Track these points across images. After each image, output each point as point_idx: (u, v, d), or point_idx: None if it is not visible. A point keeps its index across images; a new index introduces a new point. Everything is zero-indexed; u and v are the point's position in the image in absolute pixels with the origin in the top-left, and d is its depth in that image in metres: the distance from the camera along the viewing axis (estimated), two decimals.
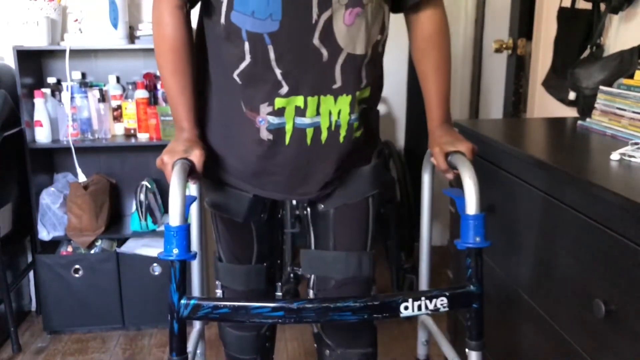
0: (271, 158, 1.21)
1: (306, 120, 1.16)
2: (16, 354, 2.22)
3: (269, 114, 1.15)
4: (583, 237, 1.11)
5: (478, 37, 2.95)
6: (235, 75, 1.15)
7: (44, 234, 2.30)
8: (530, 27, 2.27)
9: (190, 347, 1.35)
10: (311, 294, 1.40)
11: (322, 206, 1.32)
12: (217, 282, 1.45)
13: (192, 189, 1.36)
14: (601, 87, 1.54)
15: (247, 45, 1.11)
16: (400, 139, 3.03)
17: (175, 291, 1.07)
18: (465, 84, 3.06)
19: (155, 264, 2.33)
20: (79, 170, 2.36)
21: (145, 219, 2.34)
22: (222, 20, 1.12)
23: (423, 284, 1.52)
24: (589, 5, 1.80)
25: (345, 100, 1.16)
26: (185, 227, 1.06)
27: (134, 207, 2.36)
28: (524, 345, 1.38)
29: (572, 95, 1.80)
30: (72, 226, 2.29)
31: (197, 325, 1.50)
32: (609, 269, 1.03)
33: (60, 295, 2.31)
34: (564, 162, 1.23)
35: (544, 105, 2.13)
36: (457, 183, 1.14)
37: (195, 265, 1.46)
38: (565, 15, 1.92)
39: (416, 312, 1.08)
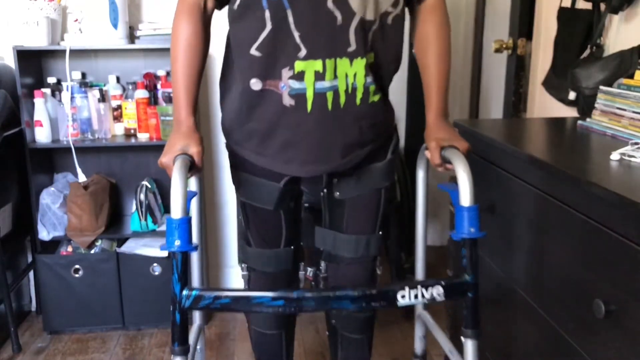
0: (296, 128, 1.28)
1: (325, 83, 1.24)
2: (16, 354, 2.22)
3: (290, 77, 1.24)
4: (583, 237, 1.11)
5: (478, 37, 2.95)
6: (254, 50, 1.24)
7: (44, 234, 2.30)
8: (530, 27, 2.27)
9: (190, 339, 1.37)
10: (323, 264, 1.53)
11: (338, 194, 1.44)
12: (242, 265, 1.55)
13: (192, 185, 1.40)
14: (601, 87, 1.54)
15: (267, 13, 1.20)
16: (401, 139, 3.03)
17: (177, 282, 1.11)
18: (465, 84, 3.06)
19: (155, 264, 2.33)
20: (79, 170, 2.36)
21: (145, 219, 2.34)
22: None
23: (419, 275, 1.57)
24: (589, 5, 1.80)
25: (360, 63, 1.24)
26: (187, 220, 1.10)
27: (134, 207, 2.36)
28: (524, 345, 1.38)
29: (572, 95, 1.80)
30: (72, 226, 2.29)
31: (197, 320, 1.52)
32: (609, 269, 1.03)
33: (60, 295, 2.31)
34: (564, 162, 1.23)
35: (544, 105, 2.12)
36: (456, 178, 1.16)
37: (195, 257, 1.49)
38: (565, 15, 1.92)
39: (412, 301, 1.11)
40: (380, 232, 1.48)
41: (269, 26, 1.21)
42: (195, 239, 1.39)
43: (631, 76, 1.48)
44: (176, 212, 1.09)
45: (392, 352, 2.22)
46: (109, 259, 2.32)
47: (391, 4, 1.25)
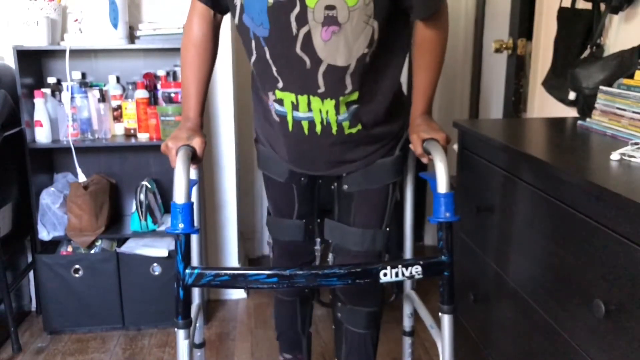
0: (283, 138, 1.40)
1: (300, 114, 1.34)
2: (16, 354, 2.22)
3: (274, 101, 1.35)
4: (583, 237, 1.11)
5: (478, 37, 2.95)
6: (251, 66, 1.36)
7: (44, 234, 2.30)
8: (530, 27, 2.27)
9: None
10: (331, 256, 1.61)
11: (346, 187, 1.50)
12: (269, 234, 1.70)
13: (193, 175, 1.46)
14: (601, 87, 1.54)
15: (253, 43, 1.30)
16: None
17: (181, 261, 1.20)
18: (465, 84, 3.06)
19: (155, 264, 2.33)
20: (79, 170, 2.36)
21: (145, 219, 2.34)
22: (236, 21, 1.30)
23: (407, 254, 1.65)
24: (589, 5, 1.80)
25: (330, 103, 1.32)
26: (189, 205, 1.20)
27: (134, 207, 2.36)
28: (523, 345, 1.38)
29: (572, 95, 1.80)
30: (72, 226, 2.29)
31: (196, 299, 1.59)
32: (609, 269, 1.03)
33: (60, 295, 2.31)
34: (564, 162, 1.23)
35: (544, 105, 2.13)
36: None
37: (194, 241, 1.56)
38: (565, 15, 1.92)
39: (394, 278, 1.23)
40: (388, 229, 1.54)
41: (255, 54, 1.31)
42: (195, 222, 1.46)
43: (631, 76, 1.48)
44: (180, 197, 1.18)
45: (392, 352, 2.22)
46: (109, 259, 2.32)
47: (366, 46, 1.27)
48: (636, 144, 1.29)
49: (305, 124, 1.35)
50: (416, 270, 1.24)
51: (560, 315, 1.21)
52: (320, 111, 1.32)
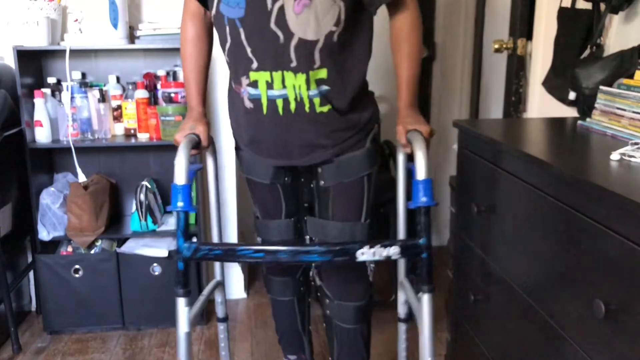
0: (257, 125, 1.47)
1: (275, 92, 1.41)
2: (16, 354, 2.22)
3: (248, 85, 1.42)
4: (583, 237, 1.11)
5: (478, 37, 2.95)
6: (226, 56, 1.45)
7: (44, 234, 2.30)
8: (530, 27, 2.27)
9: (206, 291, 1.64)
10: None
11: (323, 182, 1.55)
12: (258, 238, 1.75)
13: (210, 163, 1.64)
14: (601, 87, 1.54)
15: (227, 29, 1.39)
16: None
17: (180, 236, 1.33)
18: (465, 84, 3.06)
19: (155, 264, 2.33)
20: (79, 170, 2.36)
21: (145, 219, 2.34)
22: (214, 11, 1.41)
23: (400, 236, 1.63)
24: (589, 5, 1.80)
25: (302, 78, 1.39)
26: (188, 186, 1.33)
27: (134, 207, 2.36)
28: (523, 345, 1.38)
29: (572, 95, 1.80)
30: (72, 226, 2.29)
31: (217, 276, 1.70)
32: (609, 269, 1.03)
33: (60, 295, 2.31)
34: (564, 162, 1.23)
35: (544, 105, 2.13)
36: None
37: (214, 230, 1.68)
38: (565, 15, 1.92)
39: (371, 257, 1.29)
40: (368, 221, 1.57)
41: (229, 40, 1.41)
42: (213, 208, 1.69)
43: (631, 76, 1.48)
44: (180, 179, 1.33)
45: (391, 352, 2.22)
46: (109, 259, 2.32)
47: (333, 24, 1.37)
48: (636, 144, 1.29)
49: (279, 103, 1.41)
50: (394, 250, 1.28)
51: (560, 315, 1.21)
52: (294, 87, 1.39)
